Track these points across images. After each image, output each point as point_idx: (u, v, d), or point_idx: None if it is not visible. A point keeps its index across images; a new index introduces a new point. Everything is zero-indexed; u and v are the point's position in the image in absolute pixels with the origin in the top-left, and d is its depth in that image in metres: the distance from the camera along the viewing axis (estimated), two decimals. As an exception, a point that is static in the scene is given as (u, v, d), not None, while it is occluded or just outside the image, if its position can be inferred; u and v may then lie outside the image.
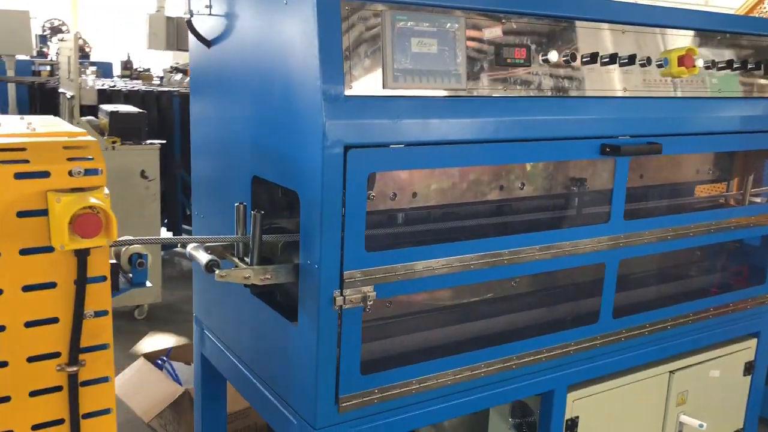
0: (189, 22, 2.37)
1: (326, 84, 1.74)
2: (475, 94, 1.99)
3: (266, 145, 2.05)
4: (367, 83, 1.81)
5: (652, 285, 2.90)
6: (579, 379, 2.47)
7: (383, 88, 1.84)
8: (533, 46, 2.11)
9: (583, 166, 2.62)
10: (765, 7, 3.83)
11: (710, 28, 2.56)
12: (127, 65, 9.73)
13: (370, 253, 1.89)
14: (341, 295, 1.85)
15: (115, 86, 6.48)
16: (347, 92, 1.77)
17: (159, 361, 3.68)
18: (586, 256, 2.35)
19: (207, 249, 2.02)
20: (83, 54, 11.94)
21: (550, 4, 2.14)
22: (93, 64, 10.30)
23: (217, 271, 1.86)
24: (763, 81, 2.73)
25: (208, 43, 2.37)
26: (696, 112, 2.50)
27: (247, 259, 1.98)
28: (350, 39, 1.78)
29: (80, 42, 12.52)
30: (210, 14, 2.32)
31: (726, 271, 3.18)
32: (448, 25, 1.93)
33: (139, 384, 3.44)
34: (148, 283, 1.84)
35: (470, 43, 1.98)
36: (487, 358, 2.20)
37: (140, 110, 5.38)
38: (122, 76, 9.37)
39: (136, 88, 6.49)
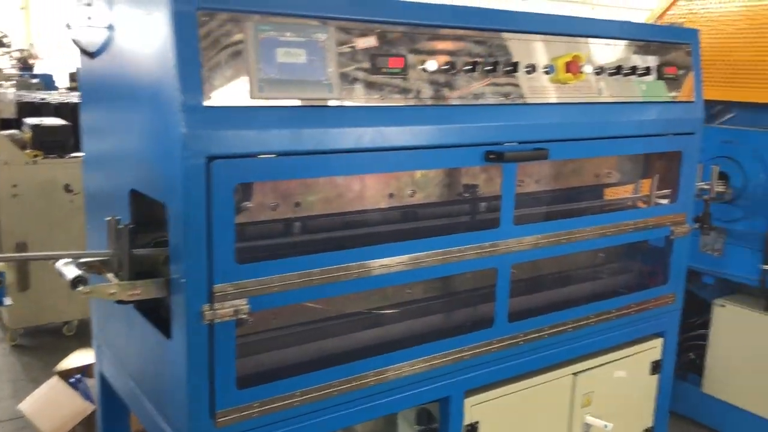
0: (72, 34, 2.33)
1: (185, 94, 1.72)
2: (349, 103, 1.99)
3: (141, 157, 2.03)
4: (232, 93, 1.80)
5: (553, 288, 2.93)
6: (476, 384, 2.48)
7: (251, 98, 1.83)
8: (411, 55, 2.12)
9: (476, 173, 2.64)
10: (676, 12, 3.92)
11: (598, 35, 2.60)
12: (74, 77, 9.56)
13: (244, 265, 1.87)
14: (211, 309, 1.82)
15: (44, 99, 6.34)
16: (209, 102, 1.76)
17: (74, 379, 3.60)
18: (477, 262, 2.37)
19: (83, 265, 1.98)
20: (25, 66, 11.70)
21: (428, 13, 2.15)
22: (35, 76, 10.10)
23: (80, 288, 1.83)
24: (652, 85, 2.78)
25: (90, 55, 2.33)
26: (584, 117, 2.54)
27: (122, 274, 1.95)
28: (211, 49, 1.76)
29: (24, 54, 12.27)
30: (91, 26, 2.28)
31: (630, 272, 3.23)
32: (317, 35, 1.93)
33: (50, 402, 3.36)
34: (7, 301, 1.79)
35: (343, 53, 1.98)
36: (377, 366, 2.20)
37: (66, 123, 5.28)
38: (70, 89, 9.18)
39: (66, 101, 6.37)
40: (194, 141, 1.73)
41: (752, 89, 3.58)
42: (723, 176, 3.58)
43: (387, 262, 2.14)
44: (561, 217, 2.71)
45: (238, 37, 1.80)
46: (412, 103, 2.12)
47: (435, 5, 2.20)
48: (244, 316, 1.88)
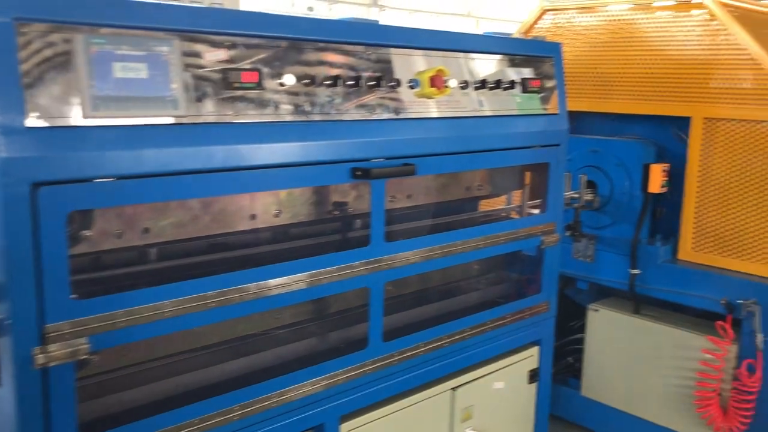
0: None
1: (2, 115, 1.54)
2: (199, 120, 1.86)
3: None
4: (61, 113, 1.63)
5: (429, 303, 2.90)
6: (352, 408, 2.40)
7: (83, 117, 1.66)
8: (267, 69, 2.02)
9: (347, 190, 2.57)
10: (542, 25, 4.04)
11: (462, 49, 2.60)
12: None
13: (82, 300, 1.70)
14: (43, 352, 1.64)
15: None
16: (33, 123, 1.58)
17: None
18: (348, 282, 2.29)
19: None
20: None
21: (285, 25, 2.06)
22: None
23: None
24: (526, 99, 2.82)
25: None
26: (450, 131, 2.52)
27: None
28: (33, 65, 1.59)
29: None
30: None
31: (505, 282, 3.27)
32: (160, 48, 1.79)
33: None
34: None
35: (191, 67, 1.85)
36: (243, 399, 2.07)
37: None
38: None
39: None
40: (15, 166, 1.55)
41: (616, 101, 3.72)
42: (591, 185, 3.70)
43: (249, 289, 2.02)
44: (435, 231, 2.69)
45: (64, 50, 1.64)
46: (269, 119, 2.02)
47: (291, 17, 2.12)
48: (85, 357, 1.71)
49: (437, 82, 2.43)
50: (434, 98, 2.47)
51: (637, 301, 3.65)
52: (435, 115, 2.48)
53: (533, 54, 2.91)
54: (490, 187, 3.17)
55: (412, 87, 2.41)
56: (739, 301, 3.22)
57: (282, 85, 2.05)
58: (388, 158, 2.33)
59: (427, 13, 24.59)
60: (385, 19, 27.61)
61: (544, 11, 4.06)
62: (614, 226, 3.68)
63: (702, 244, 3.47)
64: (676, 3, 3.55)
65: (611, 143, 3.66)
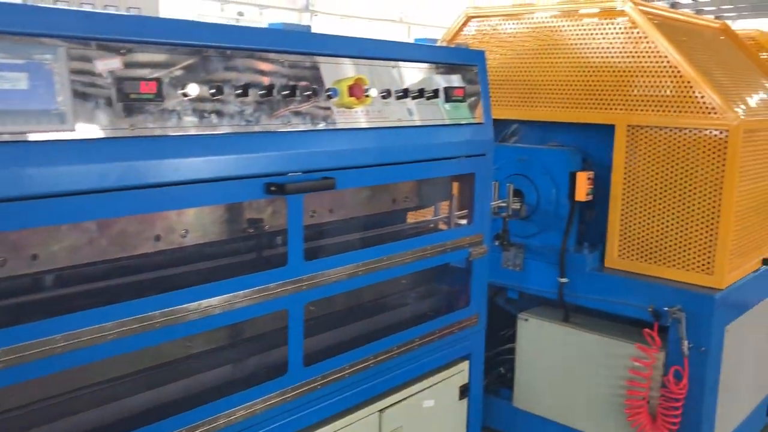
0: None
1: None
2: (90, 136, 1.69)
3: None
4: None
5: (354, 321, 2.78)
6: (273, 438, 2.26)
7: (-47, 134, 1.47)
8: (168, 79, 1.86)
9: (263, 206, 2.43)
10: (467, 33, 3.99)
11: (383, 56, 2.50)
12: None
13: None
14: None
15: None
16: None
17: None
18: (264, 305, 2.15)
19: None
20: None
21: (187, 31, 1.91)
22: None
23: None
24: (443, 108, 2.74)
25: None
26: (372, 142, 2.42)
27: None
28: None
29: None
30: None
31: (433, 296, 3.18)
32: (42, 56, 1.61)
33: None
34: None
35: (80, 77, 1.68)
36: (148, 437, 1.90)
37: None
38: None
39: None
40: None
41: (542, 108, 3.70)
42: (519, 193, 3.66)
43: (154, 317, 1.85)
44: (359, 247, 2.57)
45: (-74, 58, 1.45)
46: (172, 132, 1.86)
47: (195, 22, 1.96)
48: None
49: (356, 91, 2.32)
50: (354, 108, 2.36)
51: (567, 309, 3.63)
52: (355, 125, 2.36)
53: (456, 62, 2.84)
54: (417, 198, 3.09)
55: (330, 97, 2.29)
56: (665, 308, 3.23)
57: (185, 95, 1.89)
58: (305, 172, 2.20)
59: (359, 18, 24.56)
60: (317, 24, 27.46)
61: (469, 18, 4.02)
62: (542, 234, 3.65)
63: (628, 251, 3.48)
64: (599, 11, 3.56)
65: (537, 152, 3.63)
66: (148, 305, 1.85)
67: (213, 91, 1.96)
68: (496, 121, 3.96)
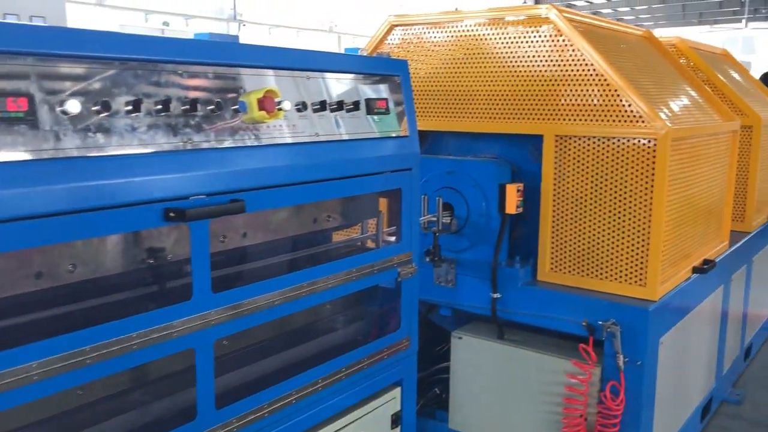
0: None
1: None
2: (-58, 162, 1.44)
3: None
4: None
5: (274, 353, 2.57)
6: (181, 493, 2.02)
7: None
8: (42, 95, 1.62)
9: (165, 233, 2.20)
10: (392, 41, 3.85)
11: (298, 67, 2.32)
12: None
13: None
14: None
15: None
16: None
17: None
18: (167, 345, 1.92)
19: None
20: None
21: (63, 39, 1.68)
22: None
23: None
24: (365, 121, 2.57)
25: None
26: (287, 160, 2.22)
27: None
28: None
29: None
30: None
31: (360, 320, 3.01)
32: None
33: None
34: None
35: (-71, 93, 1.43)
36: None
37: None
38: None
39: None
40: None
41: (470, 119, 3.59)
42: (449, 207, 3.53)
43: (30, 369, 1.60)
44: (277, 273, 2.36)
45: None
46: (48, 155, 1.62)
47: (76, 30, 1.73)
48: None
49: (267, 104, 2.13)
50: (266, 123, 2.16)
51: (501, 326, 3.51)
52: (266, 141, 2.16)
53: (378, 72, 2.68)
54: (341, 217, 2.90)
55: (237, 111, 2.08)
56: (599, 322, 3.15)
57: (65, 113, 1.66)
58: (210, 195, 1.99)
59: (289, 28, 24.28)
60: (245, 35, 26.99)
61: (393, 26, 3.88)
62: (473, 249, 3.53)
63: (560, 264, 3.39)
64: (525, 18, 3.47)
65: (466, 163, 3.51)
66: (24, 355, 1.60)
67: (98, 107, 1.73)
68: (425, 132, 3.85)
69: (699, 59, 4.83)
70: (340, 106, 2.43)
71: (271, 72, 2.22)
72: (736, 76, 5.51)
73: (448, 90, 3.67)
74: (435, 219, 3.41)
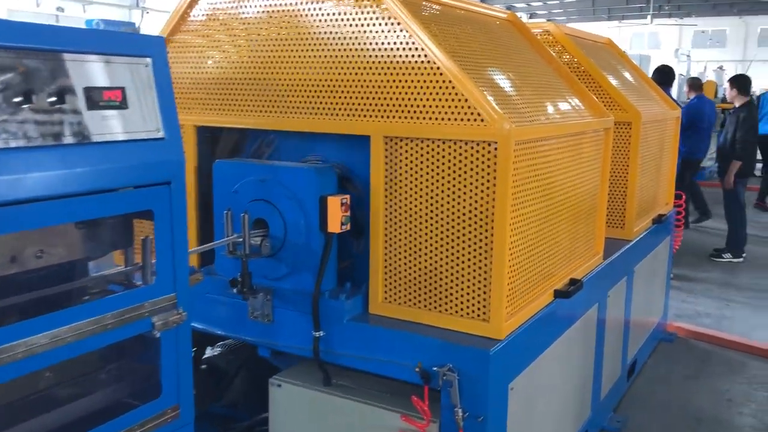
0: None
1: None
2: None
3: None
4: None
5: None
6: None
7: None
8: None
9: None
10: (198, 15, 3.13)
11: None
12: None
13: None
14: None
15: None
16: None
17: None
18: None
19: None
20: None
21: None
22: None
23: None
24: (88, 118, 1.86)
25: None
26: None
27: None
28: None
29: None
30: None
31: (107, 386, 2.28)
32: None
33: None
34: None
35: None
36: None
37: None
38: None
39: None
40: None
41: (293, 116, 2.92)
42: (263, 224, 2.85)
43: None
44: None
45: None
46: None
47: None
48: None
49: None
50: None
51: (327, 370, 2.87)
52: None
53: (115, 52, 1.97)
54: (65, 250, 2.15)
55: None
56: (434, 368, 2.54)
57: None
58: None
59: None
60: (148, 23, 25.44)
61: (195, -2, 3.15)
62: (293, 276, 2.86)
63: (394, 293, 2.78)
64: (355, -7, 2.82)
65: (279, 170, 2.83)
66: None
67: None
68: (246, 131, 3.16)
69: (575, 48, 4.33)
70: (27, 97, 1.70)
71: None
72: (620, 68, 5.07)
73: (261, 78, 2.99)
74: (242, 240, 2.73)
